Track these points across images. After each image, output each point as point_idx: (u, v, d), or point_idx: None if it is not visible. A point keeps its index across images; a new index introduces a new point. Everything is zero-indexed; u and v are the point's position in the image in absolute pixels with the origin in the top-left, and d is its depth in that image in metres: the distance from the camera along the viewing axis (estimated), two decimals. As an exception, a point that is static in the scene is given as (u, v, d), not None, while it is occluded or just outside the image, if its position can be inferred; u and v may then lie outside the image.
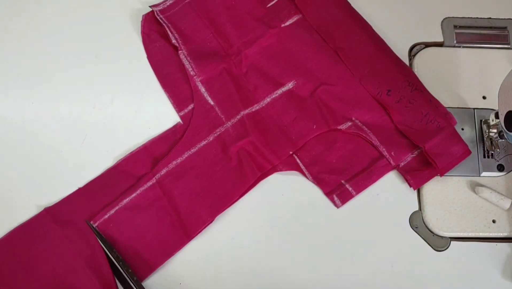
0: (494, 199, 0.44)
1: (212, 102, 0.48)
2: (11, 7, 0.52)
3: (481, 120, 0.47)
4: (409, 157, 0.46)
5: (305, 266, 0.43)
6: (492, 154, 0.46)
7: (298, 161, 0.46)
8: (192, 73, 0.48)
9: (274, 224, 0.45)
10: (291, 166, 0.46)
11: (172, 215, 0.44)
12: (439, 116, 0.45)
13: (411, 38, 0.51)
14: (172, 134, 0.47)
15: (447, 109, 0.47)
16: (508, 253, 0.44)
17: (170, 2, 0.51)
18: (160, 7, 0.51)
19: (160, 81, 0.49)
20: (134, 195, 0.44)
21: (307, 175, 0.46)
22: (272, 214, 0.45)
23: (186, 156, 0.46)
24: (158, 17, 0.50)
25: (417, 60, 0.50)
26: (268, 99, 0.48)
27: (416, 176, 0.45)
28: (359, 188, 0.45)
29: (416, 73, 0.49)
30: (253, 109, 0.47)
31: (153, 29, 0.51)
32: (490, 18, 0.51)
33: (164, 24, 0.50)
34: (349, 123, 0.47)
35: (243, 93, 0.48)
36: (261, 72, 0.49)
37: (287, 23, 0.50)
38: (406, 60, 0.50)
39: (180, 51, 0.49)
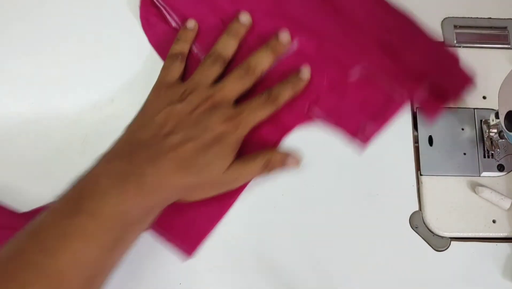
0: (494, 199, 0.44)
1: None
2: (11, 7, 0.52)
3: (481, 121, 0.47)
4: (421, 91, 0.47)
5: (305, 267, 0.43)
6: (492, 154, 0.46)
7: (316, 110, 0.47)
8: (195, 51, 0.48)
9: (274, 223, 0.45)
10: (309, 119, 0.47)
11: None
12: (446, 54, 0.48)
13: (411, 38, 0.51)
14: None
15: (447, 109, 0.47)
16: (508, 253, 0.44)
17: None
18: None
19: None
20: None
21: (327, 120, 0.47)
22: (272, 214, 0.45)
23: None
24: (155, 0, 0.49)
25: (417, 60, 0.50)
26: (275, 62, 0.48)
27: (431, 106, 0.47)
28: (380, 124, 0.47)
29: (416, 73, 0.49)
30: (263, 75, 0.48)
31: (151, 12, 0.50)
32: (490, 18, 0.51)
33: (161, 7, 0.49)
34: (358, 69, 0.47)
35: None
36: (263, 37, 0.48)
37: None
38: (406, 60, 0.50)
39: (178, 33, 0.48)
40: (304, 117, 0.47)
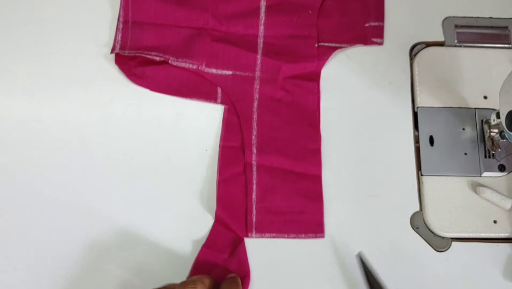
0: (495, 199, 0.44)
1: (230, 72, 0.48)
2: (11, 7, 0.52)
3: (482, 120, 0.47)
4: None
5: (305, 266, 0.43)
6: (493, 154, 0.46)
7: (326, 44, 0.49)
8: (194, 66, 0.48)
9: (274, 224, 0.45)
10: (326, 55, 0.49)
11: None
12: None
13: (411, 38, 0.51)
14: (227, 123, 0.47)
15: (448, 109, 0.47)
16: (509, 253, 0.44)
17: (119, 35, 0.49)
18: (118, 47, 0.49)
19: (182, 95, 0.48)
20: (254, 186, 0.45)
21: (343, 46, 0.49)
22: (272, 214, 0.45)
23: (255, 125, 0.47)
24: (125, 54, 0.48)
25: (417, 60, 0.49)
26: (261, 27, 0.49)
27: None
28: (380, 17, 0.50)
29: (416, 72, 0.49)
30: (261, 44, 0.49)
31: (131, 65, 0.49)
32: (491, 17, 0.51)
33: (137, 54, 0.48)
34: None
35: (242, 51, 0.49)
36: (235, 15, 0.49)
37: None
38: (406, 60, 0.50)
39: (170, 61, 0.48)
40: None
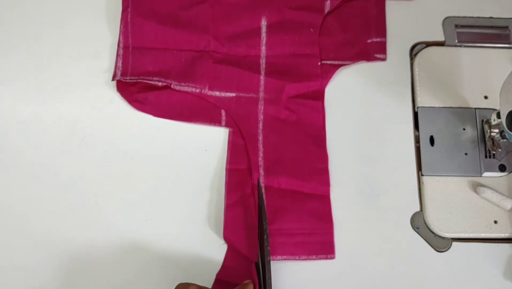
0: (495, 199, 0.44)
1: (233, 94, 0.47)
2: (11, 6, 0.52)
3: (482, 120, 0.47)
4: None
5: (305, 266, 0.43)
6: (493, 154, 0.46)
7: (328, 62, 0.49)
8: (197, 90, 0.47)
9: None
10: (329, 73, 0.48)
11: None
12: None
13: (412, 38, 0.51)
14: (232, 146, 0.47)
15: (448, 109, 0.47)
16: (510, 253, 0.44)
17: (120, 61, 0.48)
18: (118, 73, 0.48)
19: (186, 120, 0.47)
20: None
21: (346, 63, 0.49)
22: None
23: (261, 146, 0.46)
24: (126, 80, 0.47)
25: (418, 59, 0.49)
26: (263, 48, 0.49)
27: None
28: (382, 33, 0.49)
29: (417, 72, 0.49)
30: (264, 64, 0.48)
31: (133, 92, 0.48)
32: (491, 17, 0.51)
33: (139, 80, 0.47)
34: (328, 2, 0.50)
35: (245, 72, 0.48)
36: (236, 36, 0.49)
37: None
38: (407, 60, 0.50)
39: (172, 86, 0.47)
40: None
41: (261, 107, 0.47)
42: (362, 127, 0.48)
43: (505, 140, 0.45)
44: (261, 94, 0.47)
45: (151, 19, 0.49)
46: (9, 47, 0.50)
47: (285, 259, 0.43)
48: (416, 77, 0.49)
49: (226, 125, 0.47)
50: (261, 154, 0.45)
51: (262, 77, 0.48)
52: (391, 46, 0.50)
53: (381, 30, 0.49)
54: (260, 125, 0.46)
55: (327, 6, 0.49)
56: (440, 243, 0.44)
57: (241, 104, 0.47)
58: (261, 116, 0.47)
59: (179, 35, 0.49)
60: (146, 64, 0.48)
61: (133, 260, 0.43)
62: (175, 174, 0.46)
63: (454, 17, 0.51)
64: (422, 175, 0.46)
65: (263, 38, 0.49)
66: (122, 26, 0.49)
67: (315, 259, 0.43)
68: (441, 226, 0.44)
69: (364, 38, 0.49)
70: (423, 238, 0.44)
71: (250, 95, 0.47)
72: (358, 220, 0.45)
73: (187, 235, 0.44)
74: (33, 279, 0.43)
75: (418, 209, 0.45)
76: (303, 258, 0.43)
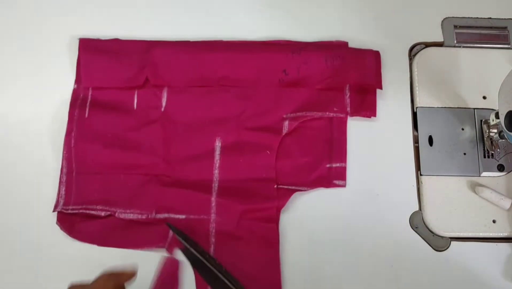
0: (494, 199, 0.44)
1: (183, 216, 0.45)
2: (11, 7, 0.52)
3: (481, 120, 0.47)
4: (347, 99, 0.48)
5: (305, 266, 0.43)
6: (492, 154, 0.46)
7: (286, 187, 0.45)
8: (143, 216, 0.45)
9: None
10: (285, 196, 0.45)
11: None
12: (334, 50, 0.48)
13: (411, 38, 0.51)
14: None
15: (447, 109, 0.48)
16: (508, 253, 0.44)
17: (63, 188, 0.45)
18: (61, 202, 0.45)
19: (129, 246, 0.44)
20: None
21: (303, 189, 0.45)
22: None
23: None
24: (68, 212, 0.45)
25: (417, 60, 0.50)
26: (216, 171, 0.46)
27: (366, 107, 0.47)
28: (342, 157, 0.46)
29: (416, 73, 0.49)
30: (216, 188, 0.45)
31: (74, 221, 0.45)
32: (490, 18, 0.51)
33: (81, 210, 0.45)
34: (286, 122, 0.47)
35: (194, 193, 0.45)
36: (188, 159, 0.46)
37: (164, 104, 0.47)
38: (406, 60, 0.50)
39: (117, 214, 0.45)
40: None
41: (212, 229, 0.44)
42: (361, 127, 0.48)
43: (503, 140, 0.45)
44: (213, 216, 0.44)
45: (97, 142, 0.46)
46: (10, 47, 0.50)
47: None
48: (415, 78, 0.49)
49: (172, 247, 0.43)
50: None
51: (213, 198, 0.45)
52: (391, 47, 0.50)
53: (342, 155, 0.46)
54: (212, 248, 0.44)
55: (286, 127, 0.47)
56: (439, 243, 0.44)
57: (191, 226, 0.44)
58: (212, 239, 0.44)
59: (126, 160, 0.46)
60: (90, 191, 0.45)
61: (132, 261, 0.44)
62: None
63: (453, 17, 0.51)
64: (421, 175, 0.46)
65: (217, 161, 0.46)
66: (65, 152, 0.46)
67: None
68: (440, 226, 0.44)
69: (324, 163, 0.46)
70: (422, 238, 0.44)
71: (201, 216, 0.45)
72: (357, 219, 0.45)
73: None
74: (33, 279, 0.43)
75: (417, 208, 0.45)
76: None
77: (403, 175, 0.46)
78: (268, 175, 0.45)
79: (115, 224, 0.44)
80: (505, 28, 0.51)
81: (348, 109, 0.47)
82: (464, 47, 0.50)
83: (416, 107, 0.48)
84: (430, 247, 0.44)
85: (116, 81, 0.47)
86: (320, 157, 0.46)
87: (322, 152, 0.46)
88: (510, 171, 0.46)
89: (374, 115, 0.47)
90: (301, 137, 0.47)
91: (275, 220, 0.44)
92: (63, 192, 0.45)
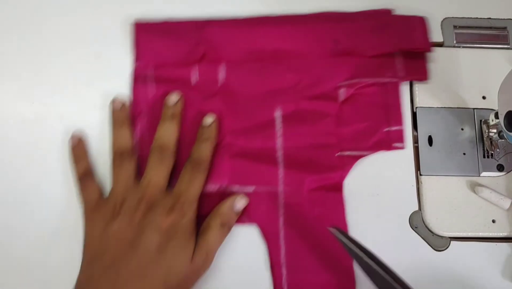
0: (494, 198, 0.44)
1: (252, 189, 0.45)
2: (11, 7, 0.52)
3: (480, 121, 0.47)
4: (398, 64, 0.48)
5: (305, 266, 0.43)
6: (492, 154, 0.47)
7: (347, 153, 0.46)
8: (216, 187, 0.45)
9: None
10: (348, 165, 0.46)
11: None
12: (380, 18, 0.48)
13: (411, 38, 0.51)
14: None
15: (447, 109, 0.48)
16: (508, 253, 0.44)
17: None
18: None
19: None
20: None
21: (365, 154, 0.46)
22: (272, 214, 0.45)
23: (282, 243, 0.44)
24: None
25: (417, 60, 0.50)
26: (279, 140, 0.46)
27: (417, 71, 0.48)
28: (398, 121, 0.47)
29: (416, 73, 0.49)
30: (281, 157, 0.46)
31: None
32: (490, 18, 0.51)
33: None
34: (342, 90, 0.47)
35: (262, 165, 0.46)
36: (250, 130, 0.46)
37: (221, 78, 0.48)
38: (406, 60, 0.50)
39: None
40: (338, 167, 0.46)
41: (281, 201, 0.45)
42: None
43: (503, 140, 0.45)
44: (281, 187, 0.45)
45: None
46: (10, 47, 0.51)
47: None
48: (415, 78, 0.49)
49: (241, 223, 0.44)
50: (283, 252, 0.43)
51: (280, 169, 0.45)
52: (390, 47, 0.50)
53: (398, 118, 0.47)
54: (281, 220, 0.44)
55: (341, 95, 0.47)
56: (438, 242, 0.44)
57: (260, 199, 0.45)
58: (281, 211, 0.44)
59: (194, 131, 0.46)
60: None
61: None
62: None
63: (452, 18, 0.51)
64: (420, 175, 0.46)
65: (279, 129, 0.46)
66: (138, 133, 0.47)
67: None
68: (440, 225, 0.44)
69: (382, 127, 0.47)
70: (422, 237, 0.44)
71: (270, 188, 0.45)
72: (357, 219, 0.45)
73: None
74: (32, 279, 0.43)
75: (416, 208, 0.45)
76: None
77: (403, 175, 0.46)
78: (330, 142, 0.46)
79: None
80: (505, 28, 0.51)
81: (400, 74, 0.48)
82: (463, 47, 0.50)
83: (416, 107, 0.48)
84: (430, 247, 0.44)
85: (174, 57, 0.49)
86: (377, 121, 0.47)
87: (379, 117, 0.47)
88: (510, 171, 0.46)
89: (425, 78, 0.48)
90: (357, 104, 0.48)
91: (340, 189, 0.45)
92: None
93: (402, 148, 0.46)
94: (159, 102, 0.47)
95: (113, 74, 0.49)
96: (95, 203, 0.42)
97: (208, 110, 0.47)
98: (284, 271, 0.43)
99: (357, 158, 0.46)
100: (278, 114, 0.47)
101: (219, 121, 0.47)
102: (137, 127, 0.47)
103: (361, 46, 0.48)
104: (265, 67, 0.48)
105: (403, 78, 0.48)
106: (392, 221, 0.45)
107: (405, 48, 0.48)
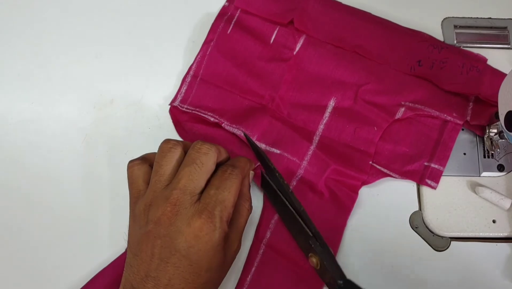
0: (494, 199, 0.44)
1: (278, 151, 0.46)
2: (11, 7, 0.52)
3: (481, 121, 0.47)
4: (469, 109, 0.47)
5: (305, 266, 0.43)
6: (492, 154, 0.47)
7: (378, 167, 0.46)
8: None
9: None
10: (375, 176, 0.45)
11: (293, 268, 0.43)
12: (473, 61, 0.47)
13: (411, 38, 0.51)
14: None
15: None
16: (508, 253, 0.44)
17: (185, 88, 0.48)
18: (179, 98, 0.48)
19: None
20: (253, 269, 0.43)
21: (393, 175, 0.45)
22: (272, 214, 0.45)
23: None
24: (183, 109, 0.47)
25: (417, 60, 0.50)
26: (321, 126, 0.47)
27: (480, 116, 0.46)
28: (443, 161, 0.46)
29: (416, 73, 0.49)
30: (316, 140, 0.46)
31: (182, 119, 0.48)
32: (490, 18, 0.51)
33: (194, 111, 0.47)
34: (402, 109, 0.47)
35: (297, 135, 0.46)
36: (300, 106, 0.47)
37: (297, 49, 0.49)
38: (406, 60, 0.50)
39: (223, 124, 0.46)
40: (368, 176, 0.45)
41: (299, 174, 0.45)
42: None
43: (503, 140, 0.45)
44: (305, 162, 0.45)
45: (229, 59, 0.49)
46: (10, 47, 0.51)
47: None
48: (415, 78, 0.49)
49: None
50: (268, 234, 0.44)
51: (312, 147, 0.46)
52: (391, 47, 0.50)
53: (444, 159, 0.46)
54: (289, 190, 0.43)
55: (400, 113, 0.47)
56: (439, 242, 0.44)
57: (281, 163, 0.45)
58: (294, 183, 0.45)
59: (249, 84, 0.48)
60: (207, 99, 0.48)
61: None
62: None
63: (453, 17, 0.52)
64: (421, 175, 0.46)
65: (326, 117, 0.47)
66: (199, 56, 0.49)
67: None
68: (440, 226, 0.44)
69: (423, 159, 0.46)
70: (422, 238, 0.44)
71: (294, 159, 0.45)
72: (357, 219, 0.45)
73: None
74: (33, 280, 0.43)
75: (417, 208, 0.45)
76: None
77: (403, 175, 0.46)
78: (367, 149, 0.46)
79: (217, 134, 0.47)
80: (505, 28, 0.51)
81: (468, 118, 0.46)
82: (464, 47, 0.50)
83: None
84: (430, 247, 0.44)
85: (264, 11, 0.50)
86: (421, 152, 0.46)
87: (425, 149, 0.46)
88: (510, 171, 0.46)
89: (486, 123, 0.46)
90: (411, 128, 0.47)
91: (356, 191, 0.45)
92: (183, 90, 0.48)
93: (434, 187, 0.45)
94: (230, 42, 0.49)
95: (113, 74, 0.50)
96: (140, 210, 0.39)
97: (273, 71, 0.48)
98: (268, 234, 0.44)
99: (385, 175, 0.45)
100: (331, 103, 0.47)
101: (278, 84, 0.48)
102: (201, 52, 0.49)
103: (442, 78, 0.47)
104: (342, 56, 0.49)
105: (467, 124, 0.47)
106: (392, 221, 0.45)
107: (485, 98, 0.46)
